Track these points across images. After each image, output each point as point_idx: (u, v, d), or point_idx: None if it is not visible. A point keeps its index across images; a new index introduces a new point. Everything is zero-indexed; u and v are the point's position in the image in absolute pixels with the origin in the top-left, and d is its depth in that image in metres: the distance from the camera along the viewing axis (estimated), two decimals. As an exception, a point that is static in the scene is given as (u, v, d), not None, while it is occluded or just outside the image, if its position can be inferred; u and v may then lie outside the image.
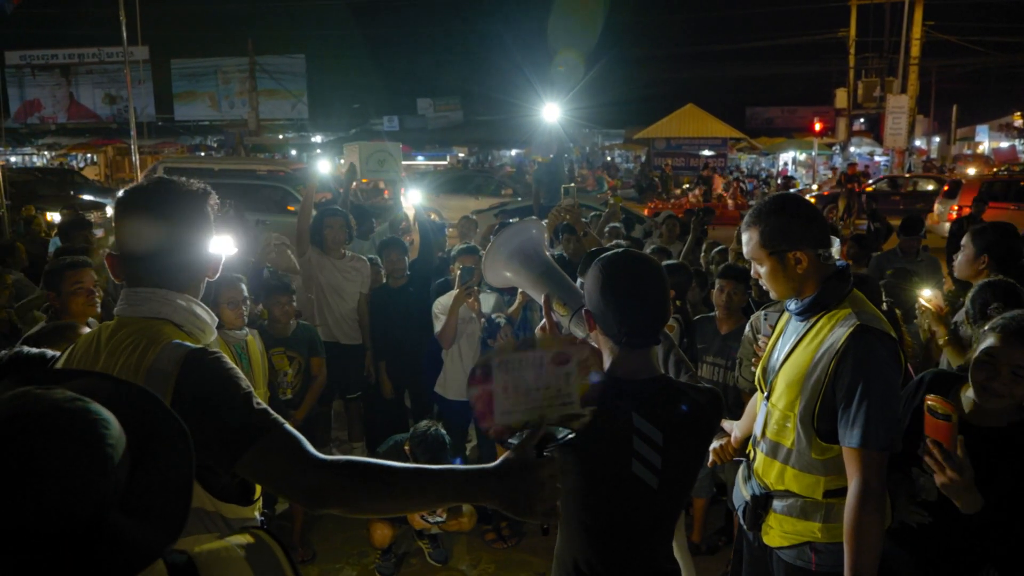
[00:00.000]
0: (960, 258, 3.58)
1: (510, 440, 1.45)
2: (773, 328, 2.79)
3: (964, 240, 3.60)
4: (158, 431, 1.01)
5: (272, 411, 1.40)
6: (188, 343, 1.46)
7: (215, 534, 1.20)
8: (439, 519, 3.91)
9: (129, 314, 1.55)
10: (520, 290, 3.97)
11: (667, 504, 1.82)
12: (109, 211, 12.71)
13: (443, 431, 3.90)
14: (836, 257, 2.12)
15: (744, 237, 2.18)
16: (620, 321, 1.74)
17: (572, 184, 5.51)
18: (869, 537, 1.91)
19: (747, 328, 3.66)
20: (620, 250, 1.85)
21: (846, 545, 1.93)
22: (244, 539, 1.14)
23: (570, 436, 1.54)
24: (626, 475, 1.72)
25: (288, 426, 1.38)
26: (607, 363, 1.81)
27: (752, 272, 2.23)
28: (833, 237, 2.14)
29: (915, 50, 27.96)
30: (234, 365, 1.45)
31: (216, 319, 1.67)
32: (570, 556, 1.80)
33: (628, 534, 1.78)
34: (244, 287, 3.70)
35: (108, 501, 0.90)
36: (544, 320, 1.99)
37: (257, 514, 1.60)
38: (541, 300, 2.06)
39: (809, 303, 2.10)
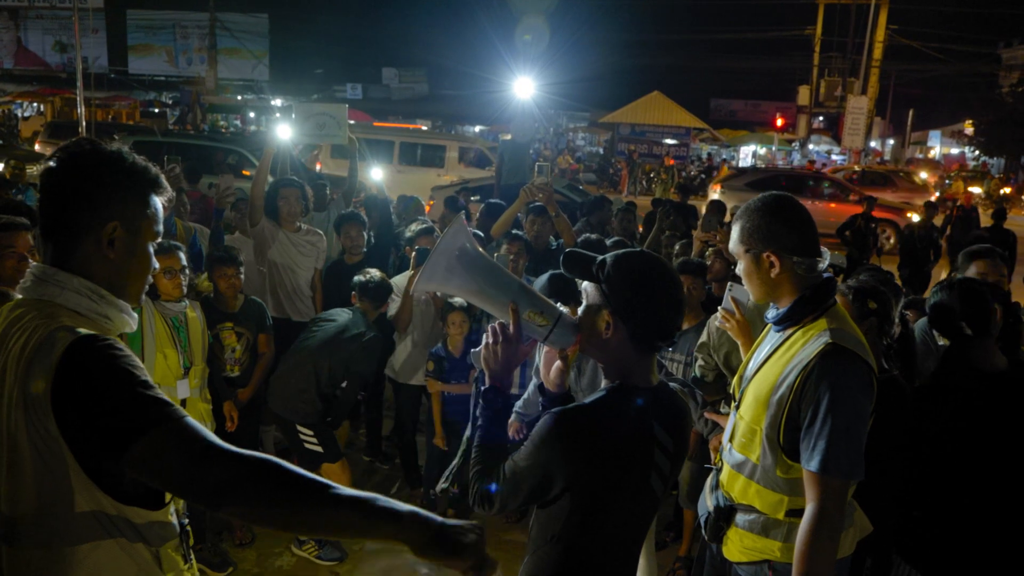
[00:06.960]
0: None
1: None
2: (736, 302, 2.76)
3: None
4: None
5: (172, 403, 1.25)
6: (81, 330, 1.30)
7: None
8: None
9: (29, 295, 1.38)
10: None
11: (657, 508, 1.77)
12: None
13: (388, 283, 4.21)
14: (822, 270, 2.02)
15: (732, 231, 2.10)
16: (658, 323, 1.65)
17: (547, 162, 5.17)
18: (820, 564, 1.85)
19: (704, 331, 3.61)
20: (639, 250, 1.75)
21: (795, 568, 1.87)
22: None
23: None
24: (643, 487, 1.64)
25: (189, 419, 1.23)
26: (612, 373, 1.70)
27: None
28: (825, 251, 2.03)
29: (877, 52, 28.47)
30: (130, 353, 1.30)
31: (135, 316, 1.48)
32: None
33: (626, 547, 1.72)
34: (182, 256, 3.51)
35: None
36: (488, 334, 1.73)
37: (173, 518, 1.43)
38: (499, 310, 1.72)
39: (783, 314, 2.02)
